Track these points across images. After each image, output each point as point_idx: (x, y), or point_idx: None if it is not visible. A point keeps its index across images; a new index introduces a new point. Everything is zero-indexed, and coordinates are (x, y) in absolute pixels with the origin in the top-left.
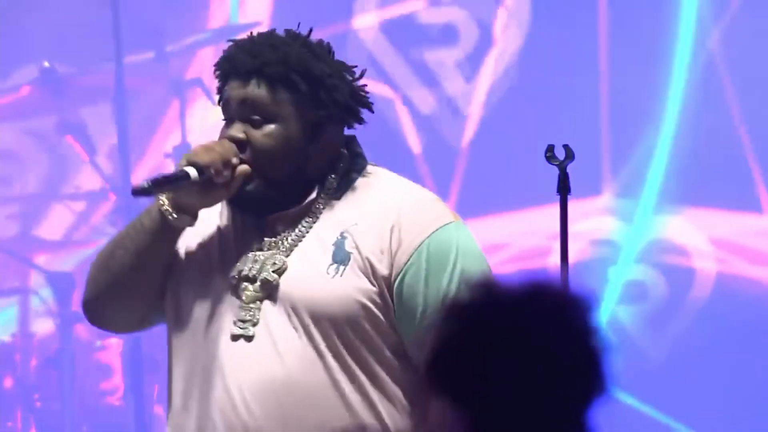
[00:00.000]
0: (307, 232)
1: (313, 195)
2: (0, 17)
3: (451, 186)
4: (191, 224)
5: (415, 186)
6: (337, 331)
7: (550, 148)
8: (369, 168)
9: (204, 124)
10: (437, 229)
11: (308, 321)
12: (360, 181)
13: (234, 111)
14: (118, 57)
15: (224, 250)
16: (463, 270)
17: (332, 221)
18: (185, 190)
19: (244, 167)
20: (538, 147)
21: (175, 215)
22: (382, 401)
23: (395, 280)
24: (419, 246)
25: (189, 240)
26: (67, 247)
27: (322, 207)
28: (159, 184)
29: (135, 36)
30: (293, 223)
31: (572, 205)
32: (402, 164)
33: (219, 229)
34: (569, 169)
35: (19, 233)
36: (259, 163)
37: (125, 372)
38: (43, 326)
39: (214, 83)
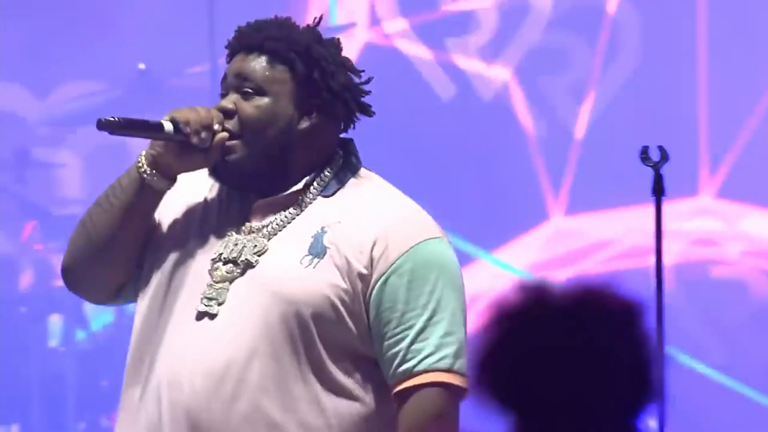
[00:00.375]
0: (289, 222)
1: (300, 185)
2: (96, 19)
3: (563, 180)
4: (168, 187)
5: (405, 197)
6: (298, 321)
7: (645, 150)
8: (362, 172)
9: None
10: (424, 240)
11: (272, 307)
12: (351, 182)
13: (230, 83)
14: (212, 59)
15: (204, 226)
16: (445, 284)
17: (316, 216)
18: (162, 147)
19: (223, 134)
20: (639, 146)
21: (150, 174)
22: (333, 403)
23: (376, 284)
24: (405, 252)
25: (172, 211)
26: None
27: (309, 201)
28: (130, 125)
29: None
30: (276, 211)
31: (674, 205)
32: (514, 152)
33: (205, 203)
34: (667, 169)
35: None
36: (244, 133)
37: None
38: None
39: None
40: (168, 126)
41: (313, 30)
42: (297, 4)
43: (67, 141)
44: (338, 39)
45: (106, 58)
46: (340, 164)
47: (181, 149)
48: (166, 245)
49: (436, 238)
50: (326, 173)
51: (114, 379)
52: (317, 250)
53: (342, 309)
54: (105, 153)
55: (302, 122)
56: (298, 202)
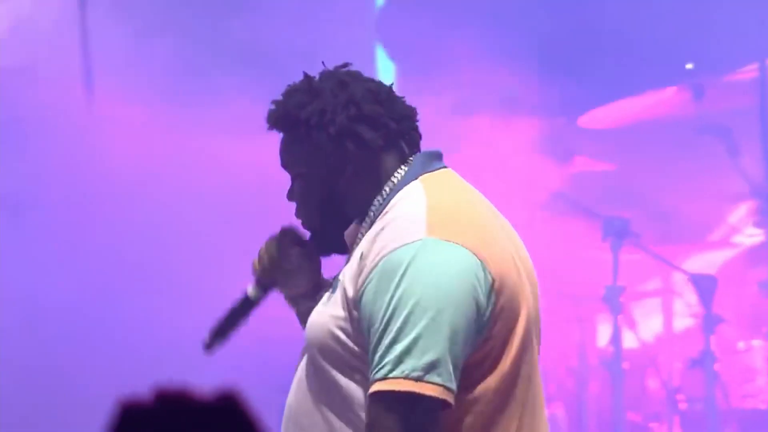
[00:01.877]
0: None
1: (349, 229)
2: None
3: None
4: (312, 299)
5: (418, 202)
6: (311, 359)
7: None
8: (409, 188)
9: None
10: (398, 247)
11: (303, 353)
12: (389, 205)
13: None
14: (761, 57)
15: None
16: (406, 288)
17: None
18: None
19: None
20: None
21: (287, 300)
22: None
23: (358, 301)
24: (375, 266)
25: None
26: (707, 248)
27: (358, 241)
28: (228, 324)
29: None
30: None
31: None
32: None
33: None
34: None
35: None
36: (301, 218)
37: None
38: (686, 327)
39: None
40: (252, 291)
41: (309, 81)
42: None
43: None
44: (346, 69)
45: (659, 59)
46: (386, 193)
47: (281, 283)
48: None
49: (415, 241)
50: (371, 209)
51: (661, 379)
52: (334, 285)
53: (343, 337)
54: None
55: (341, 176)
56: (354, 244)
